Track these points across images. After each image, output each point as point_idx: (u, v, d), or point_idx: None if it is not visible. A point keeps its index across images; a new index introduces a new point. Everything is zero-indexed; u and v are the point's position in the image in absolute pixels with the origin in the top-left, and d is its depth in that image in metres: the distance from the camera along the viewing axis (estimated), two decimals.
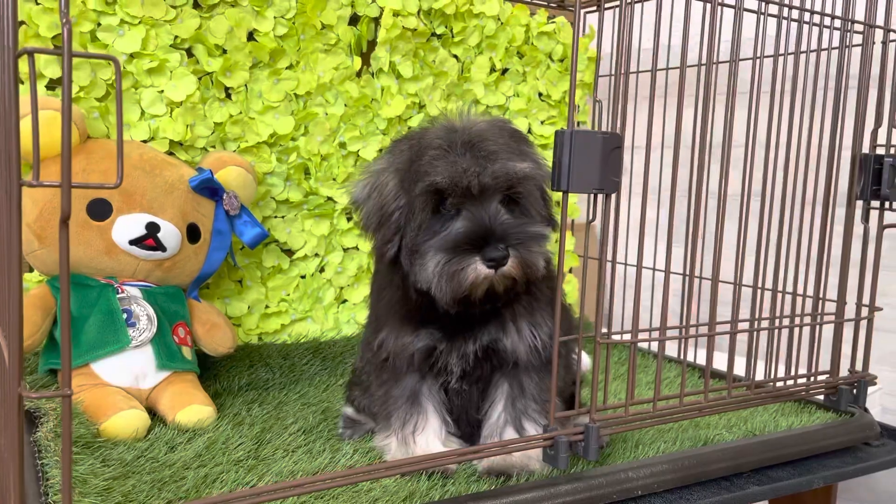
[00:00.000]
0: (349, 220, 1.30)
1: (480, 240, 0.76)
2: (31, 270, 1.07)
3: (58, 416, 0.81)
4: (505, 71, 1.44)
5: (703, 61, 0.85)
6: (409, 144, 0.82)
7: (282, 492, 0.66)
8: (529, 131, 1.47)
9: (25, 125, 0.90)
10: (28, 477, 0.69)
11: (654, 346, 1.41)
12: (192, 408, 0.94)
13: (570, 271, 1.60)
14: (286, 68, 1.21)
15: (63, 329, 0.52)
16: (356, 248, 1.31)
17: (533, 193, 0.80)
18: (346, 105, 1.26)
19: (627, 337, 0.82)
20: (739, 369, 1.01)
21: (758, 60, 0.92)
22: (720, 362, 1.00)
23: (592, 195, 0.78)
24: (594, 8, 1.52)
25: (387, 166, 0.82)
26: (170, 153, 1.13)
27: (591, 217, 0.82)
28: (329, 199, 1.27)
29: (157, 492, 0.74)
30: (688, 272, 0.88)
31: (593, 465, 0.83)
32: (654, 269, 1.28)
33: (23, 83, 1.03)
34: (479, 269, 0.76)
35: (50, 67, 1.05)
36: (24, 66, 1.02)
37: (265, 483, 0.78)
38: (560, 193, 0.76)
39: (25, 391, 0.51)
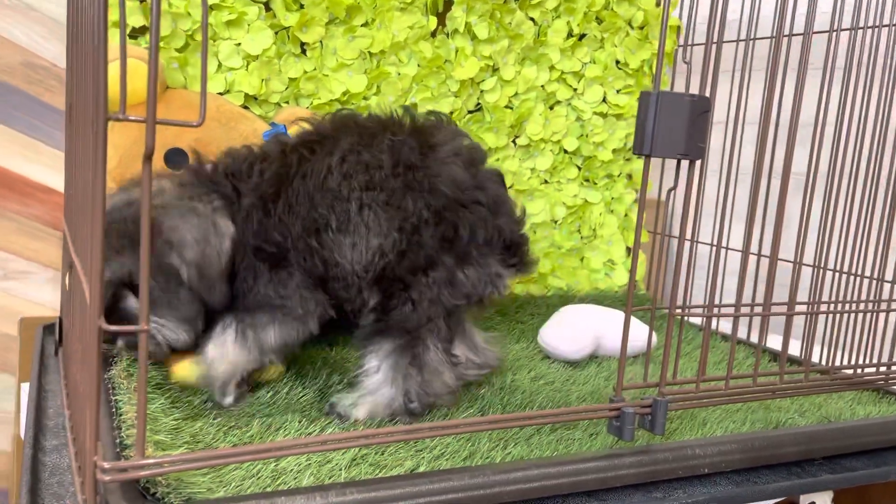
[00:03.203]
0: None
1: None
2: None
3: (130, 356, 0.84)
4: (582, 36, 1.40)
5: (774, 34, 0.80)
6: None
7: (345, 442, 0.67)
8: (604, 100, 1.43)
9: (113, 69, 0.93)
10: (102, 412, 0.71)
11: (726, 328, 1.37)
12: None
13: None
14: (361, 25, 1.20)
15: (142, 267, 0.52)
16: None
17: None
18: (419, 65, 1.24)
19: (701, 312, 0.79)
20: (816, 356, 0.97)
21: (833, 34, 0.86)
22: (795, 349, 0.96)
23: (675, 162, 0.75)
24: None
25: None
26: (244, 107, 1.14)
27: (674, 184, 0.79)
28: None
29: (223, 435, 0.76)
30: (768, 253, 0.84)
31: (659, 440, 0.81)
32: (727, 248, 1.23)
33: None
34: None
35: (133, 17, 1.06)
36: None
37: (327, 434, 0.79)
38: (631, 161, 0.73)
39: (104, 324, 0.51)
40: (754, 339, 1.26)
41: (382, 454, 0.74)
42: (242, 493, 0.62)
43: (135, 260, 0.78)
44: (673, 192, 0.76)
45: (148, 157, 0.50)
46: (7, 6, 1.38)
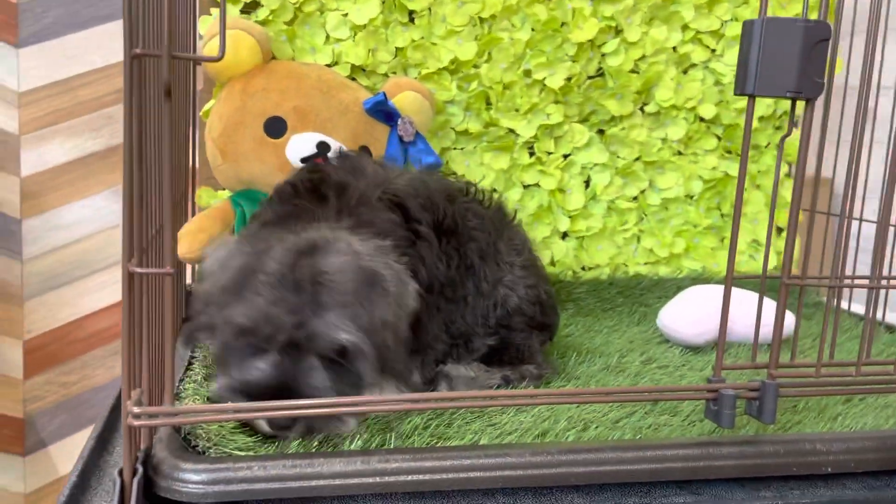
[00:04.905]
0: (531, 154, 1.23)
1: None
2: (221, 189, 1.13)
3: None
4: None
5: None
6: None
7: (396, 403, 0.63)
8: None
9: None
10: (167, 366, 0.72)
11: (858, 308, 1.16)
12: None
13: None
14: None
15: (166, 220, 0.51)
16: (537, 185, 1.24)
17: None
18: (532, 29, 1.17)
19: (823, 282, 0.67)
20: None
21: None
22: None
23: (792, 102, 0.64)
24: None
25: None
26: (352, 78, 1.13)
27: (788, 131, 0.68)
28: (510, 131, 1.21)
29: None
30: None
31: (771, 430, 0.69)
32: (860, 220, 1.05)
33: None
34: None
35: None
36: None
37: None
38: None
39: (132, 266, 0.51)
40: None
41: (449, 426, 0.69)
42: (285, 452, 0.60)
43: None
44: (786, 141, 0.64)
45: (167, 94, 0.49)
46: None
